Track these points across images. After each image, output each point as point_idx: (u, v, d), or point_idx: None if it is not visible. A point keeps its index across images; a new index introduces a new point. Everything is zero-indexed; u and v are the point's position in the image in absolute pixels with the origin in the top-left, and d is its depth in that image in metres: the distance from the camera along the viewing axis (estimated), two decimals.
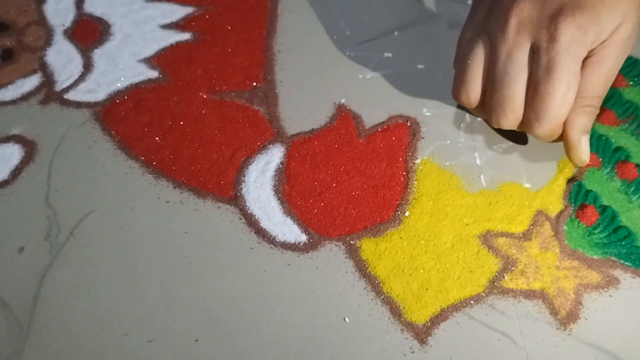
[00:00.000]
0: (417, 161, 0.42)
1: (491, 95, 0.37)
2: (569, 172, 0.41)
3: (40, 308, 0.37)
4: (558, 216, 0.39)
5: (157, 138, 0.44)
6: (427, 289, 0.37)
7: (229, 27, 0.49)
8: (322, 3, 0.51)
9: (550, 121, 0.35)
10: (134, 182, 0.42)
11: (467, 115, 0.44)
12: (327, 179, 0.41)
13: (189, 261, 0.38)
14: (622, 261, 0.38)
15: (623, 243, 0.38)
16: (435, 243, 0.38)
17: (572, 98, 0.34)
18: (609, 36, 0.33)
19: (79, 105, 0.46)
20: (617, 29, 0.33)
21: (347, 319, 0.36)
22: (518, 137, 0.42)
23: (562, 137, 0.37)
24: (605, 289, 0.37)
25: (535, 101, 0.35)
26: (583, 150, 0.36)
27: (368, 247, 0.39)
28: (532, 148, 0.42)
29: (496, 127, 0.38)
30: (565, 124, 0.36)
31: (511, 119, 0.37)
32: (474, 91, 0.38)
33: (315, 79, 0.46)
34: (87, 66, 0.48)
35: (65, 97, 0.46)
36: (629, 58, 0.45)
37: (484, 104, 0.38)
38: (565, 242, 0.38)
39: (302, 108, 0.45)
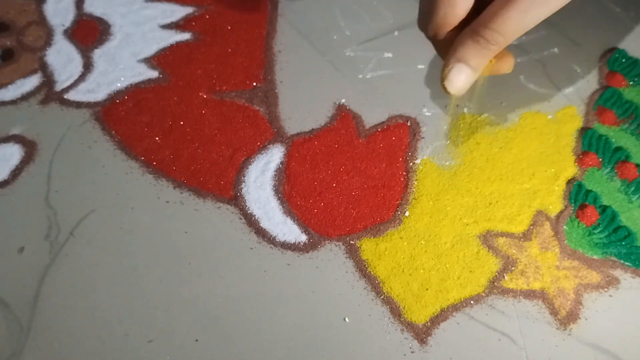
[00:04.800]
0: (417, 161, 0.42)
1: None
2: (569, 172, 0.41)
3: (40, 308, 0.37)
4: (558, 216, 0.39)
5: (157, 138, 0.44)
6: (427, 289, 0.37)
7: (229, 27, 0.49)
8: (322, 3, 0.51)
9: (433, 19, 0.32)
10: (134, 182, 0.42)
11: (467, 115, 0.44)
12: (327, 179, 0.41)
13: (189, 261, 0.38)
14: (622, 261, 0.38)
15: (623, 243, 0.38)
16: (435, 243, 0.38)
17: (457, 8, 0.31)
18: None
19: (79, 105, 0.46)
20: None
21: (347, 319, 0.36)
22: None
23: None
24: (605, 289, 0.37)
25: None
26: (448, 76, 0.31)
27: (368, 247, 0.39)
28: (532, 148, 0.42)
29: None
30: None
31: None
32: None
33: (315, 79, 0.46)
34: (87, 66, 0.48)
35: (65, 97, 0.46)
36: (629, 58, 0.45)
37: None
38: (565, 242, 0.38)
39: (302, 108, 0.45)
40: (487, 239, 0.38)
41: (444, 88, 0.33)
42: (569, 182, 0.40)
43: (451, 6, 0.32)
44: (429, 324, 0.36)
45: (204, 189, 0.41)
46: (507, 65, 0.34)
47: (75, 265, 0.38)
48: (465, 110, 0.44)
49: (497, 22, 0.30)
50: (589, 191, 0.40)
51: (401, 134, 0.43)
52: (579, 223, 0.39)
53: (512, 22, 0.30)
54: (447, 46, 0.33)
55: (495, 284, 0.37)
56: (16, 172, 0.42)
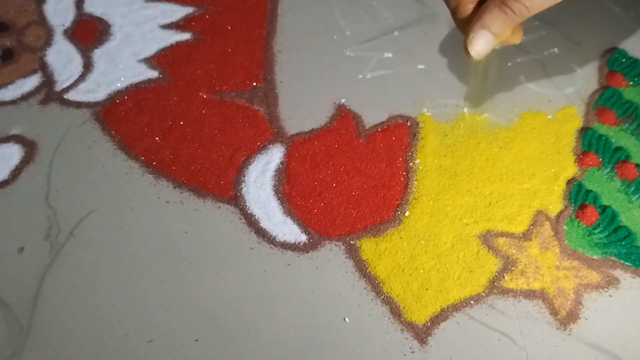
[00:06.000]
0: (417, 161, 0.42)
1: None
2: (569, 172, 0.41)
3: (40, 308, 0.37)
4: (558, 216, 0.39)
5: (157, 138, 0.44)
6: (427, 289, 0.37)
7: (229, 27, 0.49)
8: (322, 3, 0.51)
9: None
10: (134, 182, 0.42)
11: (467, 114, 0.44)
12: (327, 179, 0.41)
13: (189, 261, 0.38)
14: (622, 261, 0.38)
15: (623, 243, 0.38)
16: (435, 243, 0.38)
17: None
18: None
19: (79, 105, 0.46)
20: None
21: (347, 319, 0.36)
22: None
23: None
24: (605, 289, 0.37)
25: None
26: (471, 42, 0.34)
27: (368, 247, 0.39)
28: (532, 148, 0.42)
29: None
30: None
31: None
32: None
33: (315, 79, 0.46)
34: (87, 66, 0.48)
35: (65, 97, 0.46)
36: (629, 58, 0.45)
37: None
38: (565, 242, 0.38)
39: (302, 108, 0.45)
40: (487, 239, 0.38)
41: (467, 52, 0.35)
42: (569, 182, 0.40)
43: None
44: (429, 324, 0.36)
45: (204, 189, 0.41)
46: (517, 37, 0.36)
47: (75, 265, 0.38)
48: (465, 110, 0.44)
49: None
50: (589, 191, 0.40)
51: (401, 134, 0.43)
52: (579, 223, 0.39)
53: None
54: (466, 20, 0.35)
55: (495, 284, 0.37)
56: (16, 172, 0.42)
